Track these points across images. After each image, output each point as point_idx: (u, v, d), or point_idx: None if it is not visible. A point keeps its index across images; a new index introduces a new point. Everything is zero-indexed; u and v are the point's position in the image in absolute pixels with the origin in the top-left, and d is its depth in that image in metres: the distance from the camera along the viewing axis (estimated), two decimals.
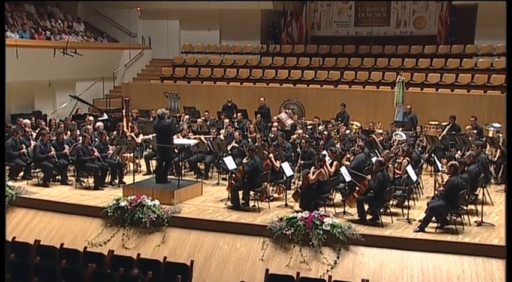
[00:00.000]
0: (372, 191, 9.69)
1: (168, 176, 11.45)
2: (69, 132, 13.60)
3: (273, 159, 11.15)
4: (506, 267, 6.69)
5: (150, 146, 13.72)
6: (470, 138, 13.45)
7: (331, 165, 10.55)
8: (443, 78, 18.41)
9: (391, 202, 10.16)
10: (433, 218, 9.31)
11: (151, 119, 15.85)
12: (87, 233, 9.94)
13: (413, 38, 20.67)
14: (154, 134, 12.05)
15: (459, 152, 13.11)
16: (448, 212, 9.33)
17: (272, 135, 14.02)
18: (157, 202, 10.00)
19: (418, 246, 8.74)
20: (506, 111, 8.63)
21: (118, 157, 12.34)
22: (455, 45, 19.50)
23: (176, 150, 12.42)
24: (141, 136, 14.02)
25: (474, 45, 19.32)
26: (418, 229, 9.21)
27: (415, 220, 9.70)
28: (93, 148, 11.99)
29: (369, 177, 9.79)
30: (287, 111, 16.96)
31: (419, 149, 13.27)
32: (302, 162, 11.96)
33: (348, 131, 14.82)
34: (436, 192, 9.82)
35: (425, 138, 13.89)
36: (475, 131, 14.05)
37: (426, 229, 9.18)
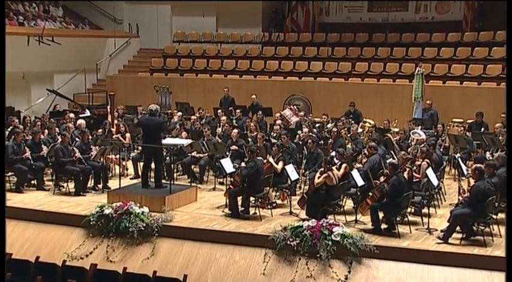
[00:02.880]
0: (387, 197, 9.69)
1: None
2: (46, 131, 13.62)
3: (272, 162, 11.13)
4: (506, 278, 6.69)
5: (139, 147, 13.71)
6: (500, 138, 13.43)
7: (340, 167, 10.56)
8: (469, 69, 18.42)
9: (409, 209, 10.16)
10: (458, 228, 9.31)
11: (139, 116, 15.85)
12: (66, 245, 9.95)
13: (435, 25, 20.66)
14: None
15: (487, 153, 13.09)
16: (474, 221, 9.32)
17: (275, 135, 14.03)
18: (146, 209, 10.02)
19: (440, 260, 8.74)
20: (507, 110, 8.60)
21: (102, 159, 12.35)
22: (484, 32, 19.47)
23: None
24: (128, 135, 14.03)
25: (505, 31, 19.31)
26: (440, 239, 9.20)
27: (436, 230, 9.70)
28: (74, 148, 12.00)
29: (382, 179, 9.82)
30: (292, 107, 16.97)
31: (441, 150, 13.26)
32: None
33: (360, 130, 14.82)
34: (460, 198, 9.81)
35: (448, 138, 13.87)
36: (505, 130, 14.03)
37: (450, 240, 9.18)
